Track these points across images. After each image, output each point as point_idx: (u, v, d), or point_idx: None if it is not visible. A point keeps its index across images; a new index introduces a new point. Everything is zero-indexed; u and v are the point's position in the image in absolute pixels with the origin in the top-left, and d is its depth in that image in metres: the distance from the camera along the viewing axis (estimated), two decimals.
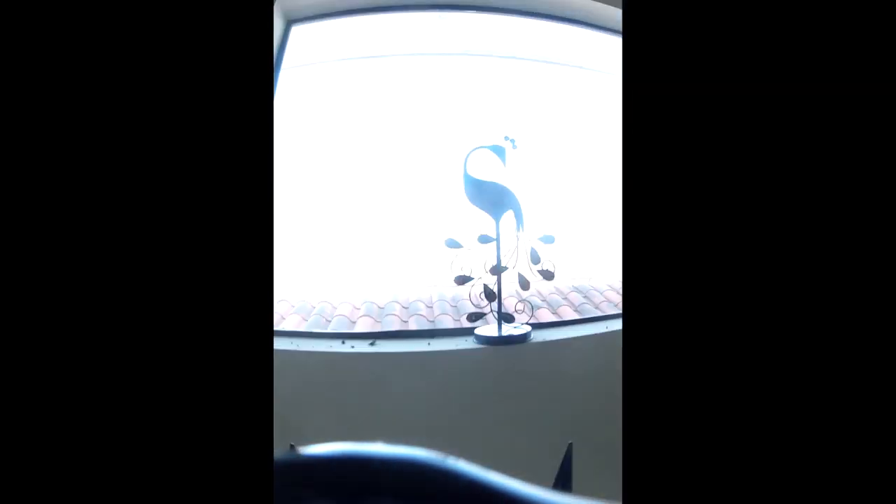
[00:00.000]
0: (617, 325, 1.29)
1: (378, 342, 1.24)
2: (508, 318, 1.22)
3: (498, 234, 1.22)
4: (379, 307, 1.95)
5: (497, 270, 1.21)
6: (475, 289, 1.21)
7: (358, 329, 1.74)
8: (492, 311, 1.21)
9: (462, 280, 1.22)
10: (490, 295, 1.20)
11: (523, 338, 1.18)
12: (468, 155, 1.27)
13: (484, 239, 1.22)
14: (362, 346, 1.21)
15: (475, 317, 1.22)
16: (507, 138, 1.27)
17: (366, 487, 0.19)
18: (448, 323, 1.78)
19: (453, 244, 1.22)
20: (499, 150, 1.26)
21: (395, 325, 1.78)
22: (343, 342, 1.23)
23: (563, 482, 0.48)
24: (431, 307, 1.96)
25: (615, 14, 1.49)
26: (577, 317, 1.81)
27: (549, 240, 1.24)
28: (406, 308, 1.94)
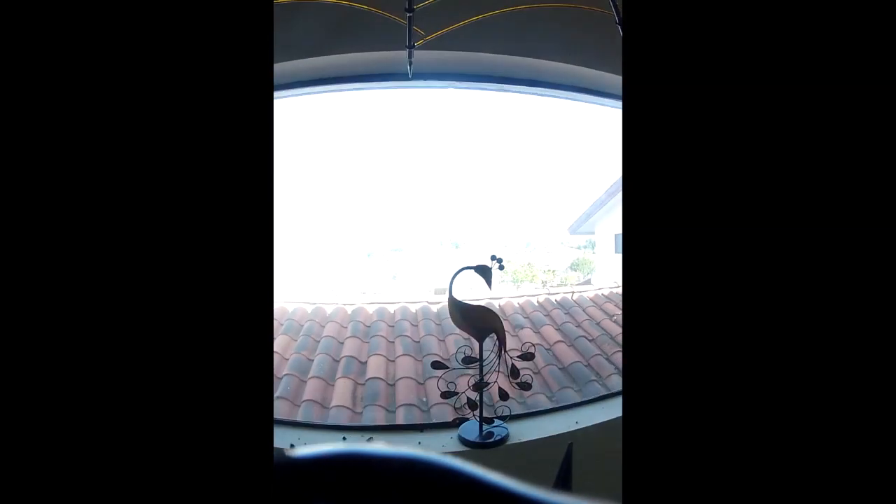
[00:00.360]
0: (586, 415, 1.46)
1: (374, 436, 1.40)
2: (489, 421, 1.37)
3: (481, 355, 1.30)
4: (366, 326, 2.07)
5: (479, 387, 1.32)
6: (459, 400, 1.33)
7: (346, 351, 1.89)
8: (474, 416, 1.35)
9: (447, 395, 1.33)
10: (472, 405, 1.33)
11: (501, 441, 1.35)
12: (454, 277, 1.26)
13: (467, 360, 1.30)
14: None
15: (460, 421, 1.36)
16: (493, 258, 1.26)
17: (366, 487, 0.18)
18: (433, 345, 1.93)
19: (440, 366, 1.30)
20: (484, 272, 1.26)
21: (381, 347, 1.93)
22: (344, 438, 1.39)
23: (563, 482, 0.50)
24: (417, 326, 2.08)
25: (616, 81, 1.33)
26: (559, 338, 1.97)
27: (528, 357, 1.32)
28: (392, 327, 2.06)
